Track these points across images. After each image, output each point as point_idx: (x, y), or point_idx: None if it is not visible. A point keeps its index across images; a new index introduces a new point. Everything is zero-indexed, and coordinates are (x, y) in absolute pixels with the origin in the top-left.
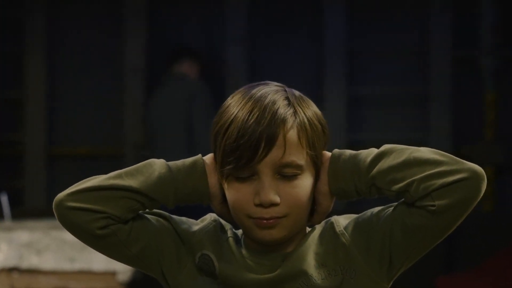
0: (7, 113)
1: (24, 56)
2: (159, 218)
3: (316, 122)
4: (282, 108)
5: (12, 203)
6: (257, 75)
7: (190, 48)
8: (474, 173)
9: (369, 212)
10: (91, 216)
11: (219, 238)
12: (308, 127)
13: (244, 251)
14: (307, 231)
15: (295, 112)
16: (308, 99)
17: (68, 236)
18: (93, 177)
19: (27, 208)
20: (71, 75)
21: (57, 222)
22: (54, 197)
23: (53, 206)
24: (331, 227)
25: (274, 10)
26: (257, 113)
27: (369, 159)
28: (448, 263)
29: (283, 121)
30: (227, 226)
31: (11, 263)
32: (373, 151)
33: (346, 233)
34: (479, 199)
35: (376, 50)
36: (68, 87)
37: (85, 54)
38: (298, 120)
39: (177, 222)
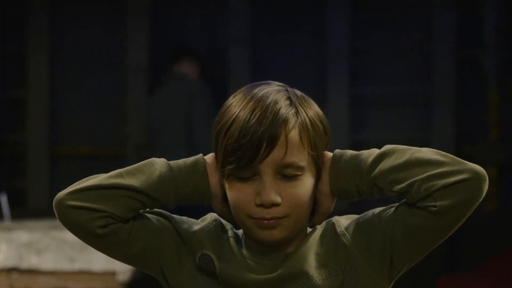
0: (10, 113)
1: (26, 56)
2: (160, 218)
3: (318, 122)
4: (284, 108)
5: (15, 203)
6: (260, 75)
7: (190, 48)
8: (476, 173)
9: (370, 212)
10: (92, 215)
11: (219, 238)
12: (310, 127)
13: (244, 251)
14: (308, 232)
15: (297, 112)
16: (310, 99)
17: (68, 236)
18: (94, 176)
19: (30, 208)
20: (74, 75)
21: (56, 222)
22: None
23: (53, 205)
24: (332, 227)
25: (277, 10)
26: (259, 113)
27: (370, 159)
28: (449, 263)
29: (285, 121)
30: (228, 226)
31: (10, 263)
32: (375, 151)
33: (347, 234)
34: (480, 200)
35: (379, 50)
36: (71, 87)
37: (88, 54)
38: (300, 120)
39: (177, 222)
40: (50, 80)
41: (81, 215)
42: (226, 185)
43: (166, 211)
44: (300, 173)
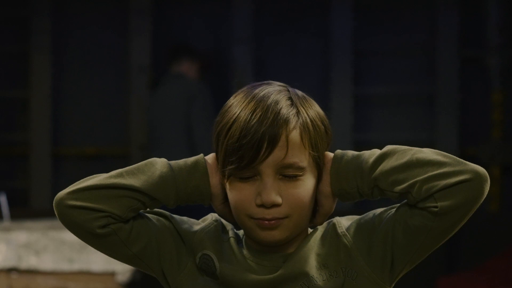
0: (13, 113)
1: (29, 55)
2: (160, 218)
3: (318, 122)
4: (285, 108)
5: (18, 203)
6: (264, 75)
7: (188, 47)
8: (477, 174)
9: (371, 213)
10: (92, 214)
11: (220, 239)
12: (310, 127)
13: (245, 252)
14: (308, 232)
15: (298, 113)
16: (311, 99)
17: (67, 236)
18: (94, 175)
19: (32, 209)
20: (77, 75)
21: (56, 223)
22: None
23: (54, 204)
24: (333, 228)
25: (280, 9)
26: (259, 113)
27: (371, 160)
28: (449, 263)
29: (286, 121)
30: (229, 226)
31: (9, 263)
32: (376, 152)
33: (348, 235)
34: (482, 200)
35: (382, 50)
36: (74, 86)
37: (91, 54)
38: (301, 120)
39: (178, 222)
40: (53, 80)
41: (81, 215)
42: (227, 186)
43: (167, 211)
44: (301, 173)
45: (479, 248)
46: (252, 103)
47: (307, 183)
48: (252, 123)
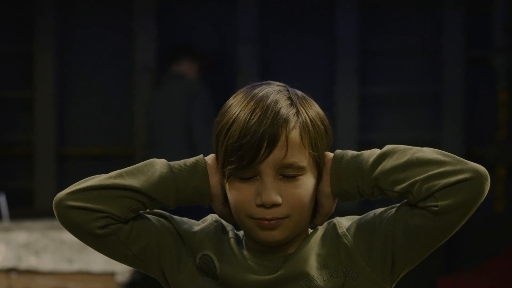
0: (17, 113)
1: (34, 55)
2: (160, 218)
3: (318, 122)
4: (285, 108)
5: (22, 203)
6: (269, 75)
7: (188, 47)
8: (478, 173)
9: (371, 213)
10: (91, 215)
11: (220, 239)
12: (310, 127)
13: (245, 252)
14: (309, 233)
15: (297, 112)
16: (310, 99)
17: (67, 236)
18: (94, 176)
19: (36, 208)
20: (81, 75)
21: (55, 223)
22: None
23: (53, 205)
24: (333, 228)
25: (285, 9)
26: (259, 113)
27: (371, 159)
28: (449, 263)
29: (286, 121)
30: (229, 227)
31: (9, 264)
32: (376, 151)
33: (348, 235)
34: (482, 199)
35: (388, 50)
36: (78, 86)
37: (95, 53)
38: (301, 120)
39: (178, 223)
40: (57, 80)
41: (80, 216)
42: (227, 186)
43: (167, 212)
44: (300, 173)
45: (480, 248)
46: (252, 103)
47: (307, 183)
48: (252, 123)
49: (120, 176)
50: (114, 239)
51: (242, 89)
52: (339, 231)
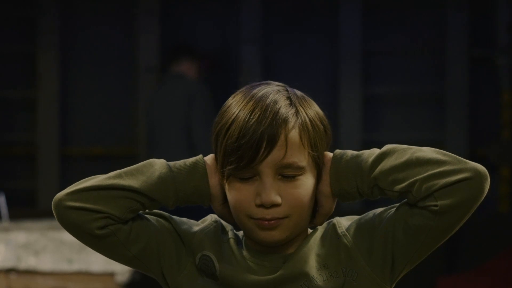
0: (20, 113)
1: (37, 55)
2: (159, 219)
3: (318, 122)
4: (284, 108)
5: (25, 203)
6: (272, 75)
7: (188, 47)
8: (477, 172)
9: (371, 213)
10: (91, 216)
11: (219, 239)
12: (310, 127)
13: (245, 253)
14: (308, 233)
15: (297, 112)
16: (310, 99)
17: (66, 237)
18: (93, 176)
19: (37, 209)
20: (84, 75)
21: (54, 223)
22: None
23: (52, 205)
24: (333, 228)
25: (289, 9)
26: (258, 113)
27: (371, 159)
28: (449, 263)
29: (285, 121)
30: (228, 227)
31: (8, 264)
32: (375, 151)
33: (348, 235)
34: (482, 198)
35: (391, 50)
36: (81, 86)
37: (98, 54)
38: (300, 120)
39: (177, 223)
40: (61, 80)
41: (80, 216)
42: (226, 186)
43: (166, 212)
44: (300, 173)
45: (480, 248)
46: (251, 103)
47: (307, 183)
48: (251, 123)
49: (119, 176)
50: (114, 239)
51: (241, 89)
52: (339, 231)
